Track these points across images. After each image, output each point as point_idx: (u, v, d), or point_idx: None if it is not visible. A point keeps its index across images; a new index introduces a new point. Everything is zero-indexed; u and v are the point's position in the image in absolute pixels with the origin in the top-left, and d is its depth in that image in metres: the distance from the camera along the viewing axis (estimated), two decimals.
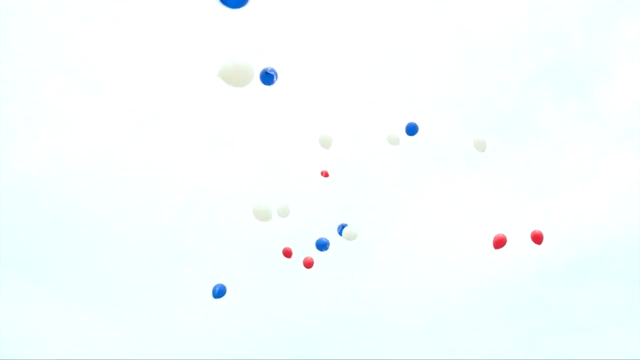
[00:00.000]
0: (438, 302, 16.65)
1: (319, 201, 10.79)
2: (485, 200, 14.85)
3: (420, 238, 15.17)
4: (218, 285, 9.59)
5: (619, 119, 17.67)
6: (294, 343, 16.31)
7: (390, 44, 16.70)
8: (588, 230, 16.52)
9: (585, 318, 16.52)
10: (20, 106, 16.87)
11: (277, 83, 7.82)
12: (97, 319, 16.16)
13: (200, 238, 16.73)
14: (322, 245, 10.27)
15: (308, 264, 10.37)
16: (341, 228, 10.34)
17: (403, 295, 16.21)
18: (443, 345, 16.54)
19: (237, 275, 10.08)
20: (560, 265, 16.41)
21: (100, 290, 16.39)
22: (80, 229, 16.80)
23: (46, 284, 16.12)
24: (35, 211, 16.58)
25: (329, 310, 15.75)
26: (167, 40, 17.24)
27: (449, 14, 17.62)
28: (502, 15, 17.57)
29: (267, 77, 7.27)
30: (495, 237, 10.01)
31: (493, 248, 9.99)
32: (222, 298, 9.68)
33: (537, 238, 10.01)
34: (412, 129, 10.42)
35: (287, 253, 10.39)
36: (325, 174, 10.82)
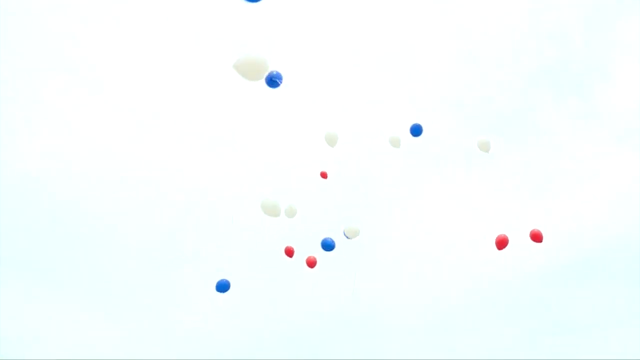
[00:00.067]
0: (438, 302, 16.65)
1: (319, 201, 10.79)
2: (485, 200, 14.85)
3: (421, 238, 15.18)
4: (223, 279, 9.60)
5: (619, 119, 17.69)
6: (294, 343, 16.32)
7: (390, 44, 16.70)
8: (588, 230, 16.53)
9: (585, 318, 16.53)
10: (20, 106, 16.87)
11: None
12: (97, 319, 16.16)
13: (200, 238, 16.73)
14: (327, 246, 10.23)
15: (311, 263, 10.35)
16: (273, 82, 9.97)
17: (403, 295, 16.21)
18: (443, 345, 16.54)
19: (237, 275, 10.06)
20: (560, 265, 16.42)
21: (100, 290, 16.39)
22: (80, 229, 16.80)
23: (46, 284, 16.12)
24: (35, 211, 16.58)
25: (329, 310, 15.76)
26: (167, 41, 17.24)
27: (449, 14, 17.63)
28: (502, 15, 17.59)
29: (272, 83, 7.36)
30: (497, 238, 10.01)
31: (496, 249, 9.99)
32: (225, 292, 9.65)
33: (537, 237, 10.01)
34: (416, 130, 10.41)
35: (289, 252, 10.37)
36: (324, 175, 10.82)
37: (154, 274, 16.67)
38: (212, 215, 16.77)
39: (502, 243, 9.95)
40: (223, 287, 9.63)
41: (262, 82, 7.51)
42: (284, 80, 7.66)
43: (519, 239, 10.17)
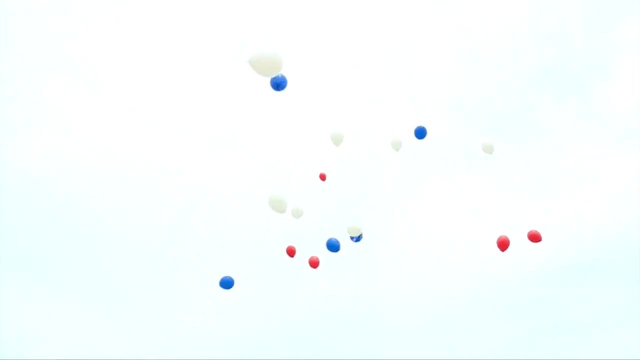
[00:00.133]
0: (438, 302, 16.65)
1: (319, 201, 10.78)
2: (485, 200, 14.85)
3: (421, 238, 15.18)
4: (227, 276, 9.58)
5: (619, 119, 17.69)
6: (294, 343, 16.32)
7: (390, 44, 16.71)
8: (588, 230, 16.53)
9: (585, 318, 16.53)
10: (20, 106, 16.87)
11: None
12: (97, 319, 16.16)
13: (200, 238, 16.74)
14: (333, 246, 10.22)
15: (314, 263, 10.34)
16: (356, 239, 10.27)
17: (403, 295, 16.21)
18: (443, 345, 16.55)
19: (237, 275, 10.05)
20: (560, 265, 16.42)
21: (100, 290, 16.39)
22: (80, 229, 16.80)
23: (46, 284, 16.12)
24: (35, 211, 16.58)
25: (329, 310, 15.76)
26: (167, 41, 17.24)
27: (449, 14, 17.63)
28: (502, 15, 17.59)
29: (277, 86, 7.44)
30: (498, 239, 10.01)
31: (498, 249, 9.99)
32: (228, 289, 9.63)
33: (535, 237, 10.01)
34: (421, 133, 10.41)
35: (291, 252, 10.36)
36: (322, 177, 10.81)
37: (154, 274, 16.68)
38: (212, 215, 16.79)
39: (503, 244, 9.95)
40: (227, 283, 9.61)
41: (265, 83, 7.55)
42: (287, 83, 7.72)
43: (519, 239, 10.17)
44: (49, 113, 17.22)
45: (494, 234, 10.23)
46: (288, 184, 10.03)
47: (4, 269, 15.40)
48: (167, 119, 17.43)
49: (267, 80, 7.63)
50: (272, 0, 16.34)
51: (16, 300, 15.48)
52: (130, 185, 17.16)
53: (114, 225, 17.03)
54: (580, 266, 16.68)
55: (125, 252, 16.89)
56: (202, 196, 16.95)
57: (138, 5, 17.30)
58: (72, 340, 15.81)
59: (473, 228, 14.05)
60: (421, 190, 15.89)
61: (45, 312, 15.87)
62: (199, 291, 16.67)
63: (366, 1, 16.74)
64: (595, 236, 16.50)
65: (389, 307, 16.40)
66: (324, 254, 10.47)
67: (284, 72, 7.65)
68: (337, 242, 10.23)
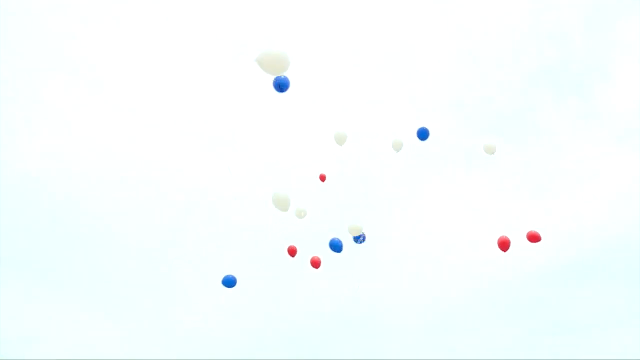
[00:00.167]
0: (438, 302, 16.65)
1: (319, 201, 10.78)
2: (485, 200, 14.85)
3: (420, 238, 15.16)
4: (229, 275, 9.60)
5: (619, 119, 17.69)
6: (294, 343, 16.32)
7: (390, 44, 16.71)
8: (588, 230, 16.53)
9: (585, 318, 16.54)
10: (20, 106, 16.87)
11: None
12: (97, 319, 16.17)
13: (200, 238, 16.74)
14: (335, 246, 10.21)
15: (315, 263, 10.33)
16: (356, 239, 10.29)
17: (403, 295, 16.21)
18: (443, 345, 16.55)
19: (237, 275, 10.06)
20: (560, 265, 16.42)
21: (100, 290, 16.39)
22: (80, 229, 16.81)
23: (46, 284, 16.12)
24: (35, 211, 16.58)
25: (329, 310, 15.76)
26: (167, 40, 17.24)
27: (449, 14, 17.63)
28: (502, 15, 17.59)
29: (280, 87, 7.49)
30: (499, 240, 10.01)
31: (499, 249, 10.00)
32: (231, 287, 9.64)
33: (533, 238, 10.02)
34: (423, 134, 10.41)
35: (292, 251, 10.36)
36: (322, 178, 10.81)
37: (154, 274, 16.68)
38: (212, 215, 16.78)
39: (504, 245, 9.96)
40: (230, 282, 9.61)
41: (265, 83, 7.61)
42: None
43: (519, 239, 10.17)
44: (49, 113, 17.23)
45: (494, 234, 10.24)
46: (288, 184, 10.03)
47: (4, 269, 15.41)
48: (167, 119, 17.43)
49: (270, 82, 7.67)
50: (272, 0, 16.35)
51: (16, 300, 15.49)
52: (130, 185, 17.17)
53: (114, 225, 17.04)
54: (580, 266, 16.69)
55: (125, 252, 16.90)
56: (202, 196, 16.94)
57: (138, 5, 17.31)
58: (72, 340, 15.82)
59: (473, 228, 14.06)
60: (421, 190, 15.89)
61: (45, 312, 15.88)
62: (199, 291, 16.67)
63: (366, 1, 16.74)
64: (595, 236, 16.51)
65: (389, 307, 16.40)
66: (324, 254, 10.47)
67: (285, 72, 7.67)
68: (340, 242, 10.23)
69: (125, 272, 16.58)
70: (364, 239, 10.17)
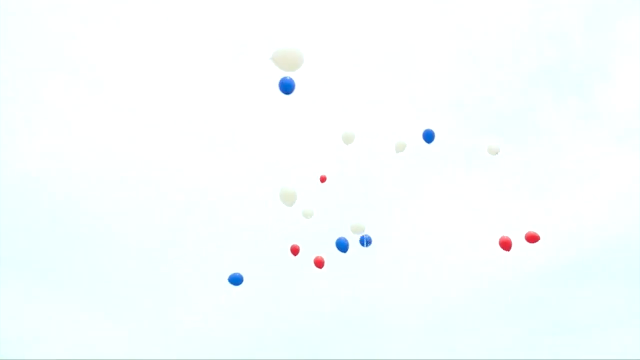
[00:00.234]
0: (438, 302, 16.65)
1: (319, 201, 10.78)
2: (485, 200, 14.85)
3: (420, 238, 15.17)
4: (236, 273, 9.58)
5: (619, 119, 17.69)
6: (294, 343, 16.32)
7: (389, 44, 16.71)
8: (588, 230, 16.52)
9: (585, 318, 16.53)
10: (20, 106, 16.88)
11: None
12: (97, 319, 16.16)
13: (200, 238, 16.74)
14: (342, 245, 10.21)
15: (319, 263, 10.33)
16: (363, 240, 10.29)
17: (403, 295, 16.20)
18: (443, 345, 16.55)
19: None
20: (560, 265, 16.42)
21: (100, 290, 16.39)
22: (80, 229, 16.80)
23: (46, 284, 16.12)
24: (35, 211, 16.58)
25: (329, 310, 15.75)
26: (168, 40, 17.24)
27: (449, 14, 17.63)
28: (502, 15, 17.59)
29: (286, 88, 7.56)
30: (501, 239, 10.02)
31: (502, 249, 10.00)
32: (238, 285, 9.63)
33: (532, 238, 10.03)
34: (429, 136, 10.42)
35: (294, 250, 10.36)
36: (323, 179, 10.82)
37: (154, 274, 16.68)
38: (212, 215, 16.79)
39: (506, 244, 9.96)
40: (236, 280, 9.60)
41: (265, 83, 7.68)
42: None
43: (519, 239, 10.17)
44: (49, 113, 17.24)
45: (494, 234, 10.24)
46: (288, 184, 10.02)
47: (4, 269, 15.41)
48: (167, 119, 17.44)
49: (269, 82, 7.72)
50: (271, 1, 16.35)
51: (16, 300, 15.48)
52: (130, 185, 17.17)
53: (114, 225, 17.04)
54: (580, 266, 16.69)
55: (125, 252, 16.90)
56: (202, 196, 16.95)
57: (138, 5, 17.31)
58: (72, 340, 15.82)
59: (473, 228, 14.05)
60: (421, 190, 15.89)
61: (45, 312, 15.88)
62: (199, 291, 16.67)
63: (366, 1, 16.74)
64: (595, 236, 16.51)
65: (389, 307, 16.40)
66: (323, 254, 10.47)
67: (283, 72, 7.69)
68: (347, 241, 10.23)
69: (125, 272, 16.58)
70: (369, 242, 10.17)
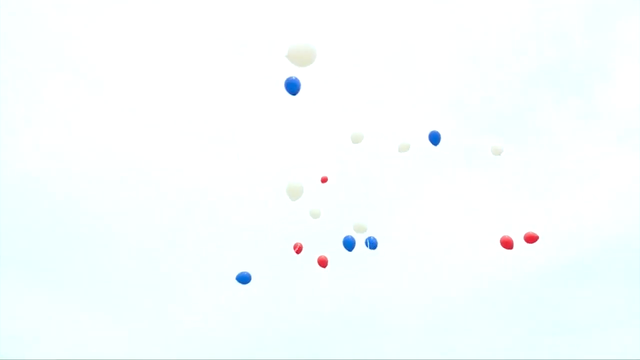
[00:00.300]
0: (438, 302, 16.65)
1: (319, 201, 10.78)
2: (485, 200, 14.86)
3: (420, 238, 15.18)
4: (244, 272, 9.59)
5: (619, 119, 17.69)
6: (294, 343, 16.32)
7: (390, 44, 16.71)
8: (588, 230, 16.53)
9: (585, 318, 16.53)
10: (20, 106, 16.87)
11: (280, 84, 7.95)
12: (97, 319, 16.16)
13: (200, 238, 16.74)
14: (349, 243, 10.21)
15: (322, 262, 10.34)
16: (368, 241, 10.30)
17: (403, 295, 16.21)
18: (443, 345, 16.55)
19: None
20: (560, 265, 16.42)
21: (100, 290, 16.39)
22: (80, 229, 16.80)
23: (46, 284, 16.12)
24: (35, 211, 16.58)
25: (329, 310, 15.75)
26: (168, 40, 17.25)
27: (449, 14, 17.63)
28: (502, 15, 17.59)
29: (292, 87, 7.59)
30: (502, 239, 10.03)
31: (503, 248, 10.01)
32: (245, 284, 9.64)
33: (531, 239, 10.03)
34: (435, 138, 10.43)
35: (298, 248, 10.35)
36: (324, 180, 10.82)
37: (154, 274, 16.68)
38: (212, 215, 16.79)
39: (507, 244, 9.97)
40: (244, 278, 9.60)
41: (265, 83, 7.72)
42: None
43: (519, 239, 10.18)
44: (49, 113, 17.24)
45: (494, 234, 10.24)
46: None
47: (4, 269, 15.41)
48: (167, 119, 17.44)
49: (270, 82, 7.76)
50: (271, 1, 16.35)
51: (16, 300, 15.48)
52: (130, 185, 17.17)
53: (114, 225, 17.04)
54: (580, 266, 16.69)
55: (125, 252, 16.90)
56: (202, 196, 16.95)
57: (138, 5, 17.31)
58: (72, 340, 15.82)
59: (473, 228, 14.06)
60: (421, 190, 15.89)
61: (45, 312, 15.88)
62: (199, 291, 16.68)
63: (365, 1, 16.74)
64: (595, 236, 16.51)
65: (389, 307, 16.41)
66: (323, 254, 10.47)
67: (284, 72, 7.70)
68: (354, 240, 10.23)
69: (125, 272, 16.58)
70: (373, 245, 10.16)
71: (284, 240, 10.54)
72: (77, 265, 16.57)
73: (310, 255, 10.56)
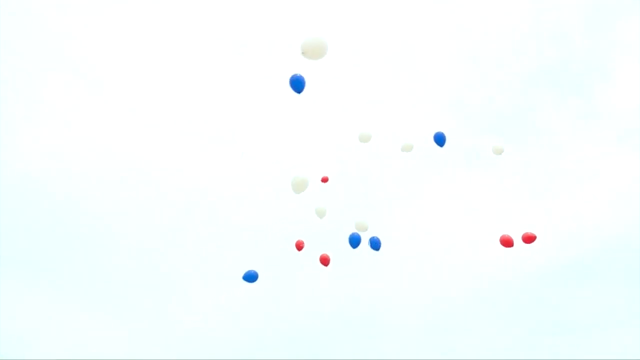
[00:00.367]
0: (438, 302, 16.65)
1: (319, 201, 10.78)
2: (485, 200, 14.86)
3: (420, 238, 15.18)
4: (251, 270, 9.61)
5: (619, 119, 17.69)
6: (294, 343, 16.32)
7: (389, 44, 16.71)
8: (588, 230, 16.53)
9: (585, 318, 16.53)
10: (20, 106, 16.88)
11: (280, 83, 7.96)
12: (97, 318, 16.16)
13: (200, 238, 16.74)
14: (355, 241, 10.22)
15: (324, 260, 10.34)
16: (372, 241, 10.31)
17: (403, 295, 16.22)
18: (443, 345, 16.55)
19: (237, 275, 10.06)
20: (560, 265, 16.42)
21: (100, 290, 16.39)
22: (80, 229, 16.80)
23: (46, 284, 16.12)
24: (35, 211, 16.57)
25: (329, 310, 15.76)
26: (168, 40, 17.25)
27: (449, 14, 17.63)
28: (502, 15, 17.59)
29: (297, 84, 7.64)
30: (502, 238, 10.03)
31: (503, 246, 10.01)
32: (252, 282, 9.65)
33: (529, 239, 10.04)
34: (441, 140, 10.44)
35: (299, 246, 10.36)
36: (325, 180, 10.83)
37: (154, 274, 16.68)
38: (212, 215, 16.79)
39: (508, 242, 9.97)
40: (251, 277, 9.62)
41: (265, 83, 7.79)
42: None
43: (518, 239, 10.17)
44: (49, 113, 17.23)
45: (494, 234, 10.24)
46: (287, 184, 10.03)
47: (4, 269, 15.41)
48: (167, 119, 17.44)
49: (276, 83, 7.83)
50: (271, 1, 16.36)
51: (16, 300, 15.48)
52: (130, 185, 17.17)
53: (114, 225, 17.04)
54: (580, 266, 16.69)
55: (125, 252, 16.90)
56: (202, 196, 16.95)
57: (138, 5, 17.31)
58: (72, 340, 15.81)
59: (473, 228, 14.06)
60: (421, 190, 15.89)
61: (45, 312, 15.87)
62: (199, 291, 16.67)
63: (365, 1, 16.74)
64: (595, 236, 16.51)
65: (389, 307, 16.41)
66: (324, 253, 10.47)
67: (284, 72, 7.72)
68: (360, 237, 10.24)
69: (125, 272, 16.58)
70: (376, 245, 10.17)
71: (284, 240, 10.55)
72: (77, 265, 16.58)
73: (310, 255, 10.57)
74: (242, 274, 9.73)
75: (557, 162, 17.26)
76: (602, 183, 17.35)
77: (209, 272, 16.39)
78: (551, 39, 17.92)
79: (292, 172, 9.57)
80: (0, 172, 15.93)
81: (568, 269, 16.63)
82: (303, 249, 10.33)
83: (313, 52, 7.40)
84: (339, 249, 10.50)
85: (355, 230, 10.37)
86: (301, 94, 7.96)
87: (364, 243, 10.31)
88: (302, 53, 7.34)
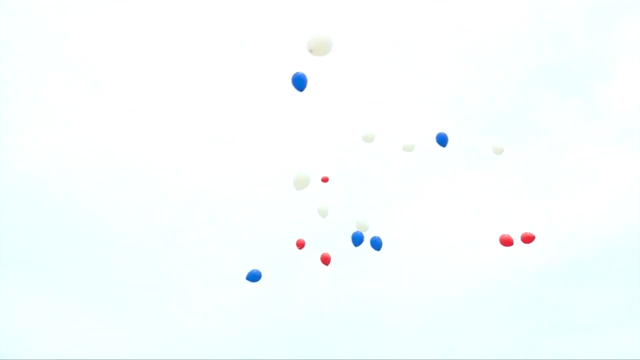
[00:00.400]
0: (438, 302, 16.65)
1: (319, 201, 10.78)
2: (485, 200, 14.86)
3: (420, 238, 15.18)
4: (254, 270, 9.61)
5: (619, 119, 17.69)
6: (294, 343, 16.32)
7: (389, 43, 16.71)
8: (588, 230, 16.53)
9: (585, 318, 16.53)
10: (20, 105, 16.88)
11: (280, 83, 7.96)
12: (97, 318, 16.16)
13: (200, 238, 16.74)
14: (358, 239, 10.22)
15: (325, 260, 10.35)
16: (373, 241, 10.31)
17: (403, 295, 16.22)
18: (443, 345, 16.55)
19: (237, 275, 10.06)
20: (560, 265, 16.42)
21: (100, 290, 16.39)
22: (80, 229, 16.80)
23: (46, 284, 16.12)
24: (35, 211, 16.57)
25: (329, 310, 15.76)
26: (168, 40, 17.25)
27: (449, 14, 17.64)
28: (502, 15, 17.60)
29: (299, 82, 7.65)
30: (502, 237, 10.03)
31: (503, 246, 10.00)
32: (256, 282, 9.66)
33: (528, 239, 10.03)
34: (443, 140, 10.43)
35: (300, 245, 10.35)
36: (325, 180, 10.83)
37: (154, 274, 16.67)
38: (212, 215, 16.80)
39: (507, 242, 9.96)
40: (254, 277, 9.62)
41: (265, 83, 7.81)
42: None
43: (518, 240, 10.16)
44: (49, 113, 17.23)
45: (494, 234, 10.23)
46: (287, 184, 10.03)
47: (4, 269, 15.41)
48: (167, 119, 17.44)
49: (275, 83, 7.85)
50: (271, 1, 16.36)
51: (16, 300, 15.48)
52: (130, 185, 17.17)
53: (114, 225, 17.04)
54: (580, 266, 16.69)
55: (125, 252, 16.90)
56: (202, 196, 16.96)
57: (138, 5, 17.31)
58: (72, 340, 15.81)
59: (473, 228, 14.06)
60: (421, 190, 15.90)
61: (45, 312, 15.87)
62: (199, 291, 16.67)
63: (365, 1, 16.74)
64: (595, 236, 16.51)
65: (389, 307, 16.41)
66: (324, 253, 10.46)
67: (284, 72, 7.72)
68: (363, 236, 10.24)
69: (125, 272, 16.58)
70: (377, 245, 10.16)
71: (284, 240, 10.55)
72: (77, 265, 16.58)
73: (310, 255, 10.57)
74: (243, 274, 9.73)
75: (557, 162, 17.26)
76: (602, 183, 17.36)
77: (209, 272, 16.39)
78: (551, 39, 17.93)
79: (292, 172, 9.56)
80: (0, 172, 15.93)
81: (568, 269, 16.64)
82: (304, 248, 10.33)
83: (320, 48, 7.41)
84: (340, 249, 10.50)
85: (357, 229, 10.37)
86: (303, 92, 7.94)
87: (366, 242, 10.31)
88: (310, 50, 7.35)
